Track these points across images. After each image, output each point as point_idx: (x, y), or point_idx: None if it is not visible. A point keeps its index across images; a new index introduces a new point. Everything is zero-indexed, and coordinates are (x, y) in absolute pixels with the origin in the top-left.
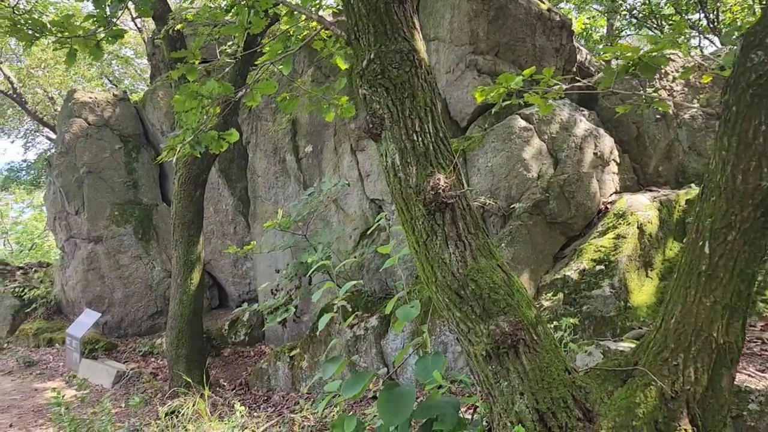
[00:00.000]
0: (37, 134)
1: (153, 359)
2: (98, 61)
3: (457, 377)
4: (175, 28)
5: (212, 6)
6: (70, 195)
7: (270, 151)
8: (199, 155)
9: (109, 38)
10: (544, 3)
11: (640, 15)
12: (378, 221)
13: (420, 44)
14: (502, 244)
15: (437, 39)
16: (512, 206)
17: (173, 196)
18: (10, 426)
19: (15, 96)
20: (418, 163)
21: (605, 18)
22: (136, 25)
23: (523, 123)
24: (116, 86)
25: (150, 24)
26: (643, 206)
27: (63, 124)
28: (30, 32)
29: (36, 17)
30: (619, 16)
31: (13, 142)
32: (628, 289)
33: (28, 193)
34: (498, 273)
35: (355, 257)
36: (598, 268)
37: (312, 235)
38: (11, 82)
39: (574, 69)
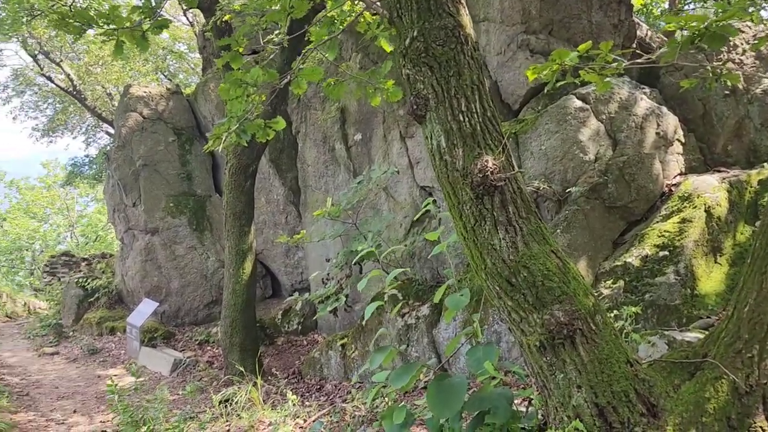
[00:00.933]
0: (98, 130)
1: (209, 347)
2: (145, 51)
3: (510, 368)
4: (223, 19)
5: None
6: (127, 188)
7: (319, 140)
8: (245, 144)
9: (155, 29)
10: None
11: None
12: (426, 207)
13: (466, 19)
14: (558, 230)
15: (487, 19)
16: (568, 190)
17: (224, 186)
18: (74, 412)
19: (75, 93)
20: (464, 145)
21: None
22: (188, 18)
23: (579, 103)
24: (171, 81)
25: (201, 18)
26: (711, 188)
27: (120, 119)
28: (77, 25)
29: (85, 10)
30: None
31: (75, 138)
32: (695, 276)
33: (91, 187)
34: (552, 259)
35: (405, 245)
36: (661, 254)
37: (362, 223)
38: (71, 80)
39: (634, 46)
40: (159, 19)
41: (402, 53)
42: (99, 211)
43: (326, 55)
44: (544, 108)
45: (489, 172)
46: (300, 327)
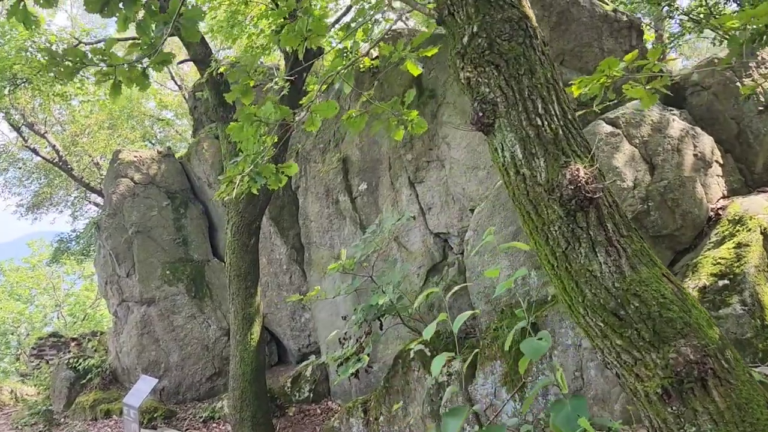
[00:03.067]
0: (85, 202)
1: (215, 425)
2: (145, 90)
3: (609, 424)
4: (218, 71)
5: (254, 47)
6: (120, 257)
7: (322, 193)
8: (256, 192)
9: (156, 65)
10: (607, 4)
11: (699, 16)
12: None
13: (530, 11)
14: None
15: None
16: None
17: (226, 247)
18: None
19: (61, 164)
20: (546, 153)
21: (652, 29)
22: (175, 83)
23: (609, 128)
24: (160, 146)
25: (189, 81)
26: (763, 208)
27: (110, 185)
28: (69, 65)
29: (77, 48)
30: (671, 21)
31: (61, 212)
32: (762, 305)
33: (78, 263)
34: (666, 284)
35: (432, 292)
36: (721, 283)
37: (379, 275)
38: (57, 151)
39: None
40: (161, 52)
41: (459, 54)
42: (87, 288)
43: (344, 86)
44: None
45: (582, 183)
46: (312, 394)
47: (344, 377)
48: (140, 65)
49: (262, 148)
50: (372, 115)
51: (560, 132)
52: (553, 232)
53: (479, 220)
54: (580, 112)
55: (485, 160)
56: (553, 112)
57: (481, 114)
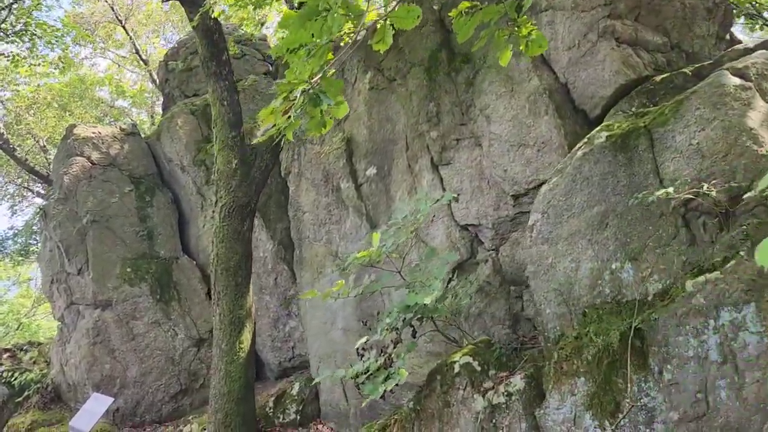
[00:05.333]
0: (27, 193)
1: None
2: None
3: None
4: (212, 16)
5: None
6: (70, 251)
7: (319, 179)
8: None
9: None
10: None
11: None
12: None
13: None
14: (741, 254)
15: (552, 8)
16: (747, 196)
17: (213, 234)
18: None
19: (1, 143)
20: None
21: None
22: (140, 57)
23: (736, 80)
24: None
25: (156, 55)
26: None
27: (61, 165)
28: None
29: None
30: None
31: None
32: None
33: (14, 266)
34: None
35: (470, 296)
36: None
37: (411, 270)
38: None
39: (727, 37)
40: None
41: None
42: (23, 295)
43: None
44: (642, 107)
45: None
46: (299, 416)
47: (375, 396)
48: None
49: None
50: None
51: None
52: None
53: (551, 200)
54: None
55: (536, 135)
56: None
57: None
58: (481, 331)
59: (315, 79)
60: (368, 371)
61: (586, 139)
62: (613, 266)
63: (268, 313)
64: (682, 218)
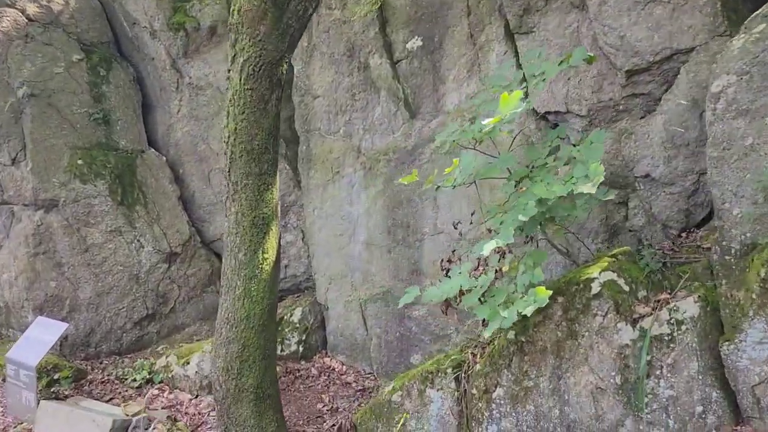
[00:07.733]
0: None
1: (158, 392)
2: None
3: None
4: None
5: None
6: (1, 132)
7: (340, 53)
8: None
9: None
10: None
11: None
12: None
13: None
14: None
15: None
16: None
17: (229, 102)
18: None
19: None
20: None
21: None
22: None
23: None
24: None
25: None
26: None
27: None
28: None
29: None
30: None
31: None
32: None
33: None
34: None
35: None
36: None
37: (505, 159)
38: None
39: None
40: None
41: None
42: None
43: None
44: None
45: None
46: (302, 348)
47: (506, 323)
48: None
49: None
50: None
51: None
52: None
53: (758, 55)
54: None
55: None
56: None
57: None
58: (563, 247)
59: None
60: (480, 288)
61: None
62: None
63: None
64: None
